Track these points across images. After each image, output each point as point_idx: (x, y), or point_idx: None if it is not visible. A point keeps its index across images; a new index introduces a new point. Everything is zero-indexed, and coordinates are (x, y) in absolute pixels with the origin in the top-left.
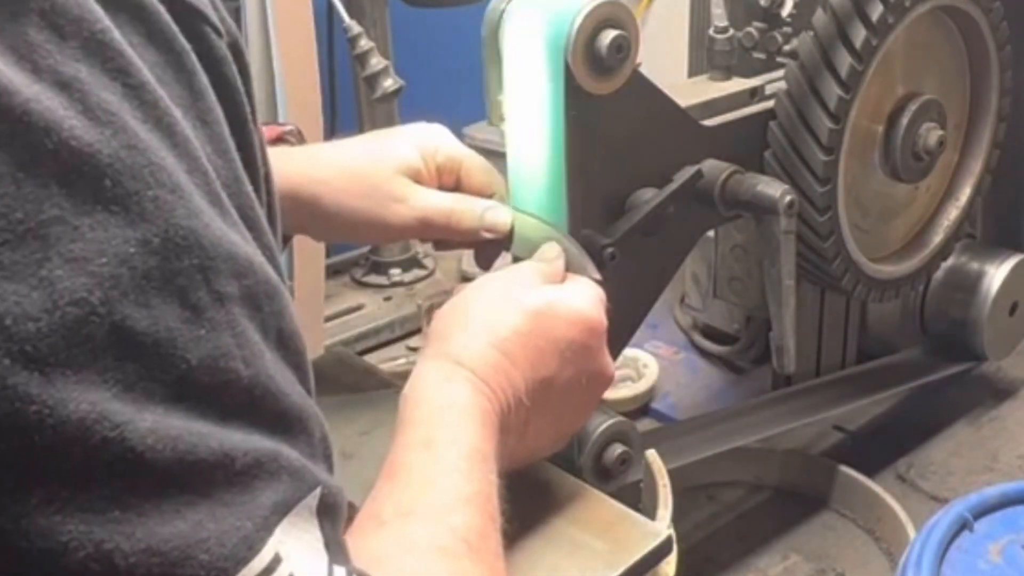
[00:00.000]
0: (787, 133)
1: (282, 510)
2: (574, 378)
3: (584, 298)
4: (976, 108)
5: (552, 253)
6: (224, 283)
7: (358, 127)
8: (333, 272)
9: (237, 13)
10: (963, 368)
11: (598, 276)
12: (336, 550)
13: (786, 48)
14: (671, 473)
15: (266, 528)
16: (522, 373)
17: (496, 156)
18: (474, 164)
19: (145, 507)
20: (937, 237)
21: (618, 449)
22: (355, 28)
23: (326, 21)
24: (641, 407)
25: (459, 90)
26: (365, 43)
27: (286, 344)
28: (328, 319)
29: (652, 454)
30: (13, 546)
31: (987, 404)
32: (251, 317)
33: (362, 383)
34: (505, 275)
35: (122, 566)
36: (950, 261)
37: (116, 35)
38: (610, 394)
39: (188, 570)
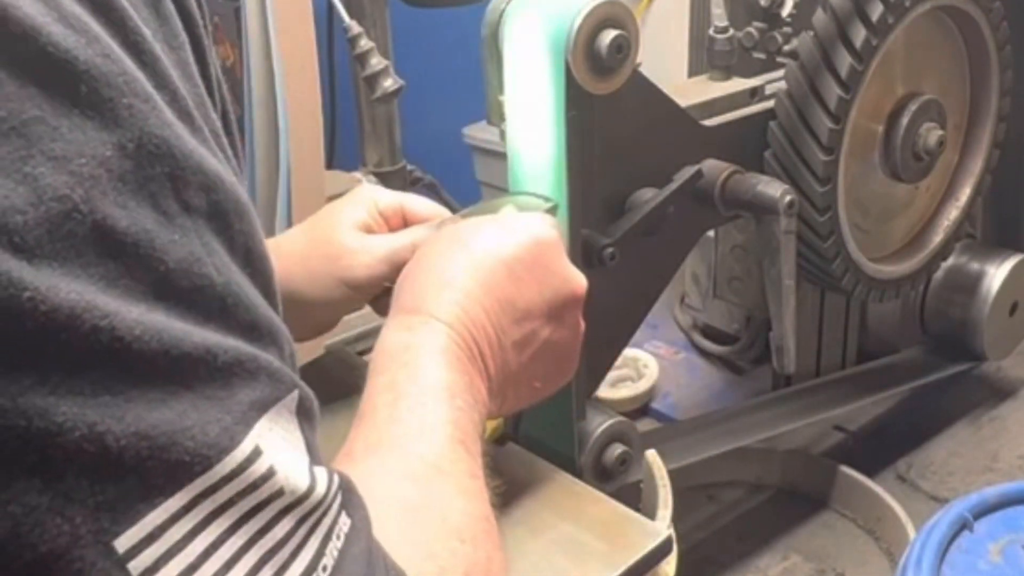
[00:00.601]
0: (787, 133)
1: (260, 407)
2: (538, 295)
3: (528, 221)
4: (976, 108)
5: (506, 210)
6: (192, 194)
7: (358, 127)
8: None
9: (237, 13)
10: (963, 368)
11: (554, 202)
12: (315, 452)
13: (786, 48)
14: (671, 473)
15: (245, 422)
16: (479, 302)
17: (496, 156)
18: (415, 202)
19: (133, 393)
20: (937, 237)
21: (618, 449)
22: (355, 28)
23: (326, 21)
24: (641, 407)
25: (459, 90)
26: (365, 43)
27: (254, 264)
28: None
29: (652, 454)
30: (12, 425)
31: (987, 404)
32: (218, 231)
33: (362, 383)
34: (453, 227)
35: (113, 447)
36: (950, 261)
37: None
38: (610, 394)
39: (174, 455)
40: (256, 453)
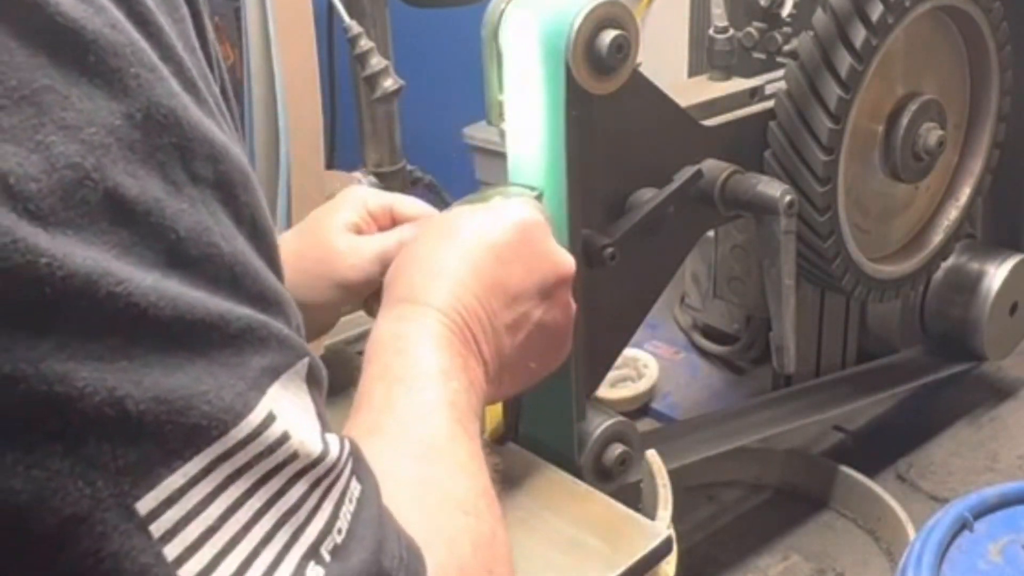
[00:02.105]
0: (787, 133)
1: (272, 374)
2: (527, 277)
3: (513, 206)
4: (976, 108)
5: (494, 201)
6: (200, 165)
7: (358, 127)
8: None
9: (237, 13)
10: (963, 368)
11: (539, 190)
12: (325, 419)
13: (786, 48)
14: (671, 473)
15: (258, 388)
16: (469, 288)
17: (496, 156)
18: (404, 202)
19: (150, 358)
20: (937, 237)
21: (618, 449)
22: (355, 28)
23: (326, 21)
24: (641, 407)
25: (459, 90)
26: (365, 43)
27: (259, 234)
28: None
29: (652, 454)
30: (34, 390)
31: (987, 404)
32: (224, 202)
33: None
34: (440, 217)
35: (133, 412)
36: (950, 261)
37: None
38: (610, 394)
39: (192, 419)
40: (270, 418)
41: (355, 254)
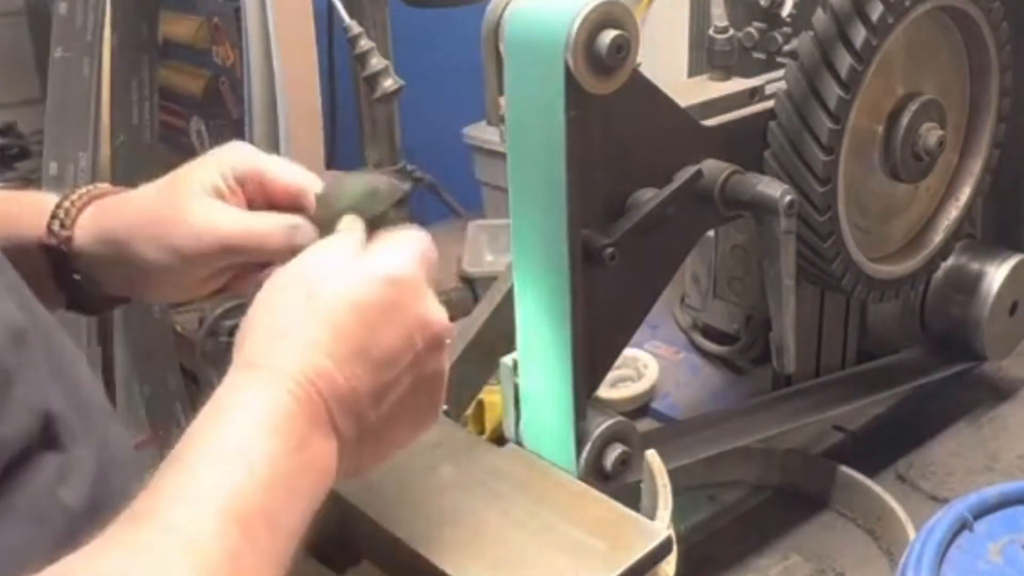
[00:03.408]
0: (787, 133)
1: None
2: (395, 342)
3: (382, 258)
4: (976, 108)
5: (348, 225)
6: None
7: (358, 127)
8: None
9: (237, 13)
10: (963, 368)
11: (416, 230)
12: None
13: (786, 48)
14: (671, 473)
15: None
16: (326, 353)
17: (496, 156)
18: (275, 169)
19: None
20: (937, 237)
21: (618, 449)
22: (355, 28)
23: (326, 21)
24: (641, 407)
25: (459, 90)
26: (365, 43)
27: None
28: None
29: (652, 454)
30: None
31: (987, 404)
32: None
33: None
34: (295, 265)
35: None
36: (950, 261)
37: None
38: (610, 394)
39: None
40: None
41: (199, 223)
